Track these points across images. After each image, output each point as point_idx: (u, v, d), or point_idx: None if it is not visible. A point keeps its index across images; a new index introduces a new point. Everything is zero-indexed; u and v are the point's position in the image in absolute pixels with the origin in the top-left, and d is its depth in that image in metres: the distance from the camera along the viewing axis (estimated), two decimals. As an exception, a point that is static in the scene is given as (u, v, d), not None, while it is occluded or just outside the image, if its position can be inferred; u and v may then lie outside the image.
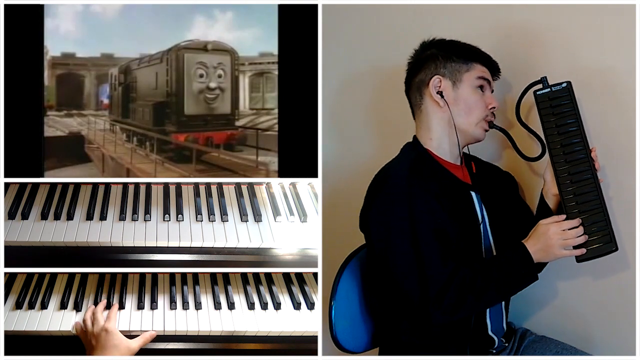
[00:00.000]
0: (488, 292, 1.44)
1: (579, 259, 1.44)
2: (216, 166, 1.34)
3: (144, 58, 1.58)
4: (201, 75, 1.24)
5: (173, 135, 1.20)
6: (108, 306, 1.57)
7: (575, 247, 1.43)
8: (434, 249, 1.44)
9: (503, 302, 1.61)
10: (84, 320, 1.52)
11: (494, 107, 1.58)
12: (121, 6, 1.86)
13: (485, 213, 1.58)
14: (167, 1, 1.87)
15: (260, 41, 1.90)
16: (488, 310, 1.55)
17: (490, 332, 1.56)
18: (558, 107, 1.51)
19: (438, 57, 1.58)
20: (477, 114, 1.57)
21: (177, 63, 1.23)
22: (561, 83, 1.52)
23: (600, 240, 1.43)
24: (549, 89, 1.53)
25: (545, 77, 1.54)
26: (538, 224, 1.45)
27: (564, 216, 1.44)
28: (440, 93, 1.56)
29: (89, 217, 1.64)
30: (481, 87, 1.58)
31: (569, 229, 1.42)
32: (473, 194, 1.58)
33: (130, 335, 1.50)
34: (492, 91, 1.61)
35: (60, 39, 1.87)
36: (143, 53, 1.88)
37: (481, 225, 1.56)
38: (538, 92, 1.53)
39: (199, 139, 1.19)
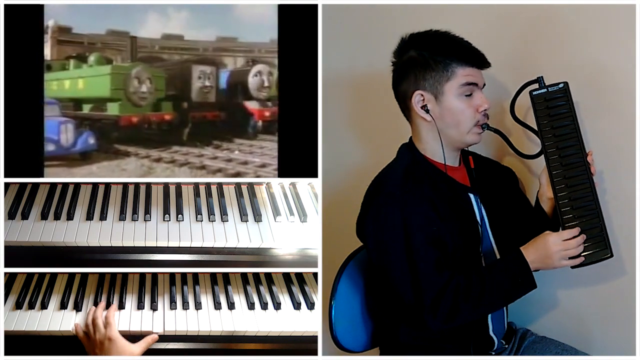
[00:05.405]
0: (484, 300, 1.43)
1: (574, 266, 1.43)
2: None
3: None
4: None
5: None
6: (108, 305, 1.57)
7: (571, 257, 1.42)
8: (429, 257, 1.44)
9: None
10: (86, 325, 1.52)
11: (486, 109, 1.51)
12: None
13: (485, 214, 1.57)
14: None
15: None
16: None
17: (491, 333, 1.56)
18: (554, 108, 1.48)
19: (417, 65, 1.51)
20: (466, 124, 1.51)
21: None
22: (558, 84, 1.49)
23: (596, 246, 1.43)
24: (545, 90, 1.50)
25: (542, 76, 1.51)
26: (542, 234, 1.43)
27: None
28: (424, 107, 1.52)
29: (89, 217, 1.64)
30: (468, 92, 1.50)
31: (568, 239, 1.41)
32: (471, 195, 1.57)
33: (131, 336, 1.50)
34: (484, 85, 1.53)
35: None
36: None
37: (481, 228, 1.55)
38: (534, 93, 1.51)
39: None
